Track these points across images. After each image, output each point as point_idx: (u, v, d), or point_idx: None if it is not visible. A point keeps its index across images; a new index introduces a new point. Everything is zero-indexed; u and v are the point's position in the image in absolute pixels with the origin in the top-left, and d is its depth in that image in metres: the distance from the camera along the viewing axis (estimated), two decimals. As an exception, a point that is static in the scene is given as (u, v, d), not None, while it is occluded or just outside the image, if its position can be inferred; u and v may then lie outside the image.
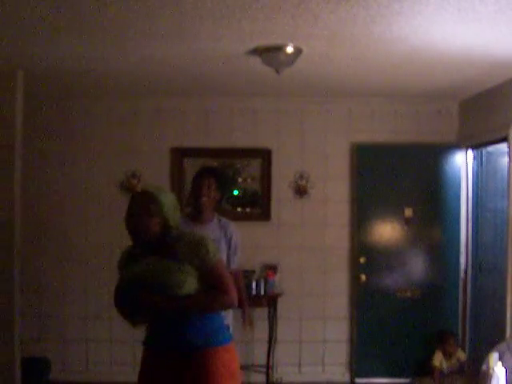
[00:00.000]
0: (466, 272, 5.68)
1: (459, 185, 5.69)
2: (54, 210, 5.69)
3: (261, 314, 5.60)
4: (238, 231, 4.04)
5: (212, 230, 3.82)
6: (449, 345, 5.33)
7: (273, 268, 5.63)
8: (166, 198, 2.79)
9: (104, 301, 5.61)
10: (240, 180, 5.81)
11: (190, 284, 2.66)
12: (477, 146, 5.55)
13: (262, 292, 5.43)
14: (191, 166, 5.75)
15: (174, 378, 2.71)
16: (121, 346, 5.65)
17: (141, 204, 2.75)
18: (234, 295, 2.76)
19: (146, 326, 2.86)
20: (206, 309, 2.73)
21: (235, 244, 3.96)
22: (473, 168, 5.66)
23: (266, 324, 5.53)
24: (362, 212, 5.76)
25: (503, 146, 4.94)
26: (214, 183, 3.86)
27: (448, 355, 5.33)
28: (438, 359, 5.29)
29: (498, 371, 3.05)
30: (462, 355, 5.39)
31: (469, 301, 5.61)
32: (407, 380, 5.53)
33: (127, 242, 2.85)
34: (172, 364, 2.71)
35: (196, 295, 2.68)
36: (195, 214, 3.93)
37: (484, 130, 5.27)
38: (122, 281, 2.77)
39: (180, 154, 5.75)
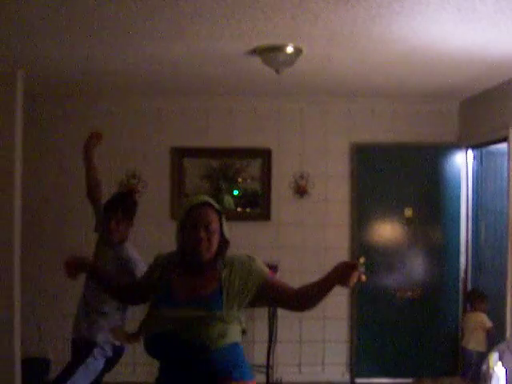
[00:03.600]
0: (466, 272, 5.68)
1: (459, 185, 5.69)
2: (54, 210, 5.70)
3: (261, 313, 5.60)
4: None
5: (109, 258, 3.75)
6: (483, 304, 5.19)
7: (273, 268, 5.63)
8: (222, 211, 2.51)
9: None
10: (240, 180, 5.81)
11: (234, 331, 2.41)
12: (477, 146, 5.56)
13: (262, 292, 5.42)
14: (191, 166, 5.76)
15: None
16: (121, 346, 5.65)
17: (207, 216, 2.42)
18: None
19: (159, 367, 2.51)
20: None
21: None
22: (473, 168, 5.67)
23: (265, 324, 5.53)
24: (361, 212, 5.77)
25: (503, 146, 4.94)
26: (126, 221, 3.80)
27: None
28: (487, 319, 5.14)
29: (498, 371, 3.05)
30: (488, 323, 5.17)
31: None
32: (407, 380, 5.53)
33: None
34: None
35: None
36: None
37: (484, 130, 5.27)
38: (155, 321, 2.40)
39: (180, 154, 5.75)
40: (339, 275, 2.28)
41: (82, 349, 3.63)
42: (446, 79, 4.90)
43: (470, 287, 5.63)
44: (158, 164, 5.76)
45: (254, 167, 5.80)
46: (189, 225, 2.41)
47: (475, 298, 5.27)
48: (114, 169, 5.71)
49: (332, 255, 5.78)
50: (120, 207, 3.83)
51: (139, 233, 5.65)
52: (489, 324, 5.10)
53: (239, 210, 5.80)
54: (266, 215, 5.76)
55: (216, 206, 2.47)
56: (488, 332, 5.10)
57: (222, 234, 2.47)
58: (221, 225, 2.46)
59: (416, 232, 5.75)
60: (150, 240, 5.57)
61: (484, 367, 3.50)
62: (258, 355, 5.62)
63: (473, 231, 5.66)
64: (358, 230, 5.77)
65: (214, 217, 2.44)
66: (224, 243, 2.48)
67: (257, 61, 4.11)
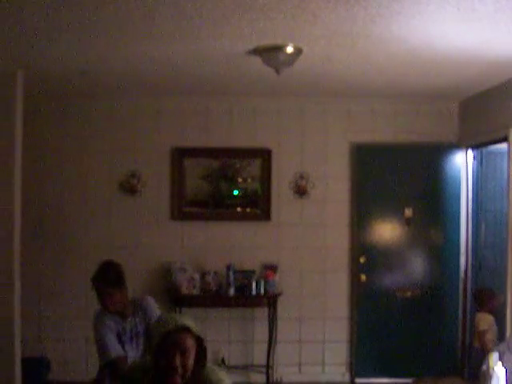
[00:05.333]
0: (466, 272, 5.68)
1: (459, 185, 5.69)
2: (54, 210, 5.69)
3: (261, 313, 5.61)
4: (152, 299, 3.83)
5: (134, 321, 3.69)
6: (491, 302, 4.87)
7: (273, 268, 5.63)
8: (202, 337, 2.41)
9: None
10: (240, 180, 5.81)
11: None
12: (477, 146, 5.56)
13: (262, 292, 5.43)
14: (191, 166, 5.76)
15: None
16: (121, 346, 5.65)
17: (184, 343, 2.30)
18: None
19: None
20: None
21: (152, 311, 3.72)
22: (473, 168, 5.66)
23: (265, 324, 5.53)
24: (361, 212, 5.77)
25: (503, 146, 4.94)
26: (117, 291, 3.62)
27: (494, 315, 4.88)
28: (487, 322, 4.81)
29: (498, 371, 3.05)
30: (481, 326, 4.89)
31: (469, 301, 5.61)
32: (407, 380, 5.53)
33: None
34: None
35: None
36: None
37: (484, 130, 5.28)
38: None
39: (180, 154, 5.75)
40: None
41: None
42: (446, 79, 4.90)
43: (470, 287, 5.63)
44: (158, 164, 5.76)
45: (254, 167, 5.80)
46: (164, 351, 2.29)
47: (483, 297, 4.98)
48: (114, 169, 5.71)
49: (332, 255, 5.79)
50: (106, 281, 3.62)
51: (139, 233, 5.66)
52: (481, 327, 4.82)
53: (239, 209, 5.80)
54: (266, 215, 5.76)
55: (194, 330, 2.34)
56: (478, 334, 4.84)
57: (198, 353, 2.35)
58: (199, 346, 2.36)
59: (416, 232, 5.75)
60: (150, 240, 5.58)
61: (484, 367, 3.49)
62: (258, 355, 5.63)
63: (473, 231, 5.66)
64: (357, 230, 5.77)
65: (190, 343, 2.31)
66: (201, 360, 2.37)
67: (257, 61, 4.11)
